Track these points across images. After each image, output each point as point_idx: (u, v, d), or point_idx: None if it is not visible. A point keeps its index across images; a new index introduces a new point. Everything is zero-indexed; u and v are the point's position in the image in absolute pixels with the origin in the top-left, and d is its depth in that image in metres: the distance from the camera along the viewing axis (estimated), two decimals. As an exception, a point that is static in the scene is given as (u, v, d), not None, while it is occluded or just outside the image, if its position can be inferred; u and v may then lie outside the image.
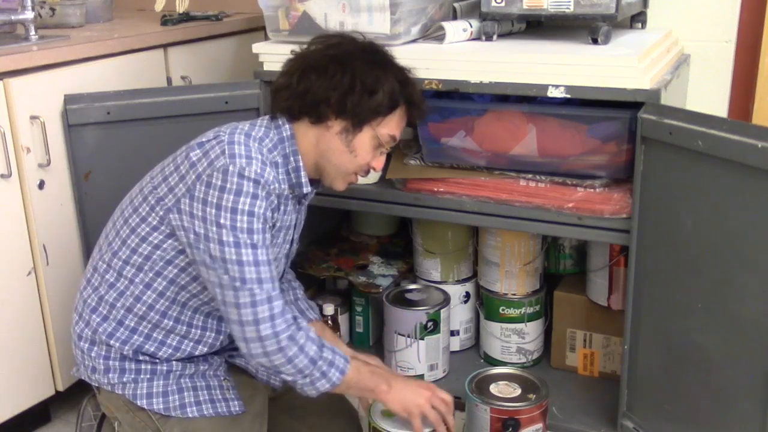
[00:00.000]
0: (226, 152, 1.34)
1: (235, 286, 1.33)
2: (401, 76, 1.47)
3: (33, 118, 1.80)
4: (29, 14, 2.01)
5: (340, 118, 1.42)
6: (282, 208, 1.44)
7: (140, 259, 1.42)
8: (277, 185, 1.37)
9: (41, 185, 1.85)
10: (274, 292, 1.35)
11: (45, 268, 1.89)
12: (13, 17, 2.01)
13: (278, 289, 1.37)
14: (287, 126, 1.45)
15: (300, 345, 1.37)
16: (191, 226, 1.35)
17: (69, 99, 1.86)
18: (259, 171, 1.33)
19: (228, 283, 1.33)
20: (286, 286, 1.69)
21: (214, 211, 1.32)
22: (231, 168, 1.32)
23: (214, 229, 1.32)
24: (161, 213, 1.38)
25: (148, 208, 1.41)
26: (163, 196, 1.39)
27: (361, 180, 1.97)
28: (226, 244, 1.32)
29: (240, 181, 1.31)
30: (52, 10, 2.24)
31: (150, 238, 1.40)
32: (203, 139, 1.40)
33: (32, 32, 2.01)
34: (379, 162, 1.50)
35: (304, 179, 1.45)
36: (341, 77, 1.40)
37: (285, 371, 1.38)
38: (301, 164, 1.44)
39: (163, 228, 1.39)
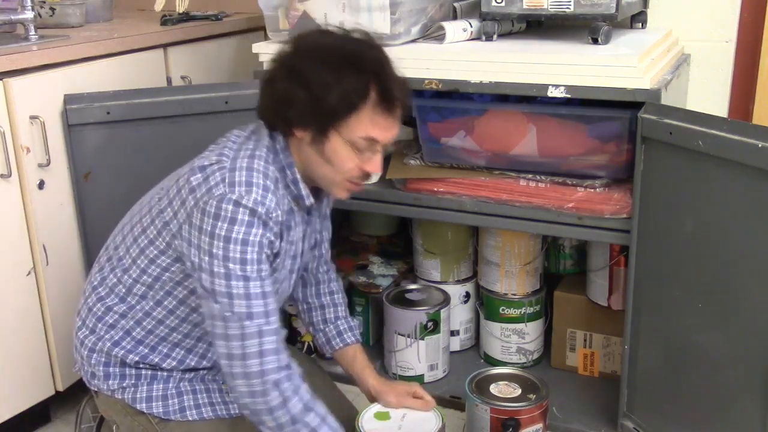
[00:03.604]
0: (227, 180, 1.29)
1: (225, 317, 1.28)
2: (367, 72, 1.30)
3: (33, 118, 1.80)
4: (29, 14, 2.00)
5: (301, 129, 1.33)
6: (287, 227, 1.39)
7: (150, 279, 1.40)
8: (279, 212, 1.31)
9: (41, 185, 1.85)
10: (267, 327, 1.30)
11: (45, 268, 1.89)
12: (13, 17, 2.00)
13: (275, 324, 1.31)
14: (280, 138, 1.38)
15: (285, 397, 1.31)
16: (189, 254, 1.32)
17: (69, 99, 1.86)
18: (259, 199, 1.28)
19: (218, 313, 1.29)
20: (327, 301, 1.67)
21: (207, 239, 1.28)
22: (229, 196, 1.27)
23: (207, 258, 1.28)
24: (167, 238, 1.36)
25: (155, 232, 1.39)
26: (169, 221, 1.36)
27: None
28: (217, 275, 1.28)
29: (235, 209, 1.27)
30: (52, 9, 2.23)
31: (158, 261, 1.38)
32: (206, 162, 1.34)
33: (32, 32, 2.01)
34: (372, 164, 1.37)
35: (304, 191, 1.39)
36: (287, 87, 1.31)
37: (266, 423, 1.32)
38: (298, 176, 1.38)
39: (170, 252, 1.37)
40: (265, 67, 1.36)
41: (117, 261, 1.46)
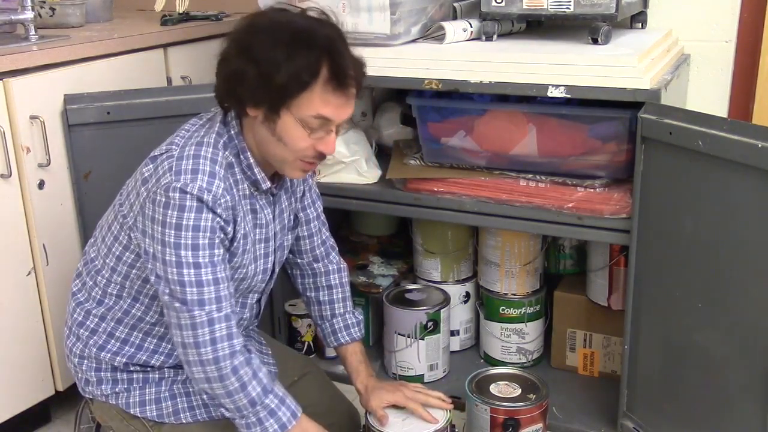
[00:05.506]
0: (173, 168, 1.29)
1: (176, 307, 1.29)
2: (318, 49, 1.28)
3: (33, 118, 1.80)
4: (29, 14, 2.00)
5: (253, 108, 1.31)
6: (248, 209, 1.39)
7: (120, 278, 1.41)
8: (228, 197, 1.31)
9: (41, 185, 1.85)
10: (218, 314, 1.30)
11: (45, 268, 1.89)
12: (13, 17, 2.00)
13: (227, 309, 1.31)
14: (234, 122, 1.37)
15: (243, 382, 1.31)
16: (143, 244, 1.33)
17: (69, 99, 1.86)
18: (204, 186, 1.28)
19: (169, 302, 1.29)
20: (325, 297, 1.66)
21: (159, 228, 1.28)
22: (174, 184, 1.27)
23: (159, 247, 1.29)
24: (128, 232, 1.37)
25: (118, 227, 1.39)
26: (127, 214, 1.37)
27: (361, 179, 1.98)
28: (168, 263, 1.28)
29: (183, 196, 1.27)
30: (52, 10, 2.23)
31: (124, 258, 1.39)
32: (156, 153, 1.35)
33: (32, 32, 2.01)
34: (326, 144, 1.33)
35: (259, 175, 1.38)
36: (238, 63, 1.30)
37: (225, 405, 1.33)
38: (251, 161, 1.37)
39: (132, 247, 1.37)
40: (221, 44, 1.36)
41: (90, 264, 1.46)
